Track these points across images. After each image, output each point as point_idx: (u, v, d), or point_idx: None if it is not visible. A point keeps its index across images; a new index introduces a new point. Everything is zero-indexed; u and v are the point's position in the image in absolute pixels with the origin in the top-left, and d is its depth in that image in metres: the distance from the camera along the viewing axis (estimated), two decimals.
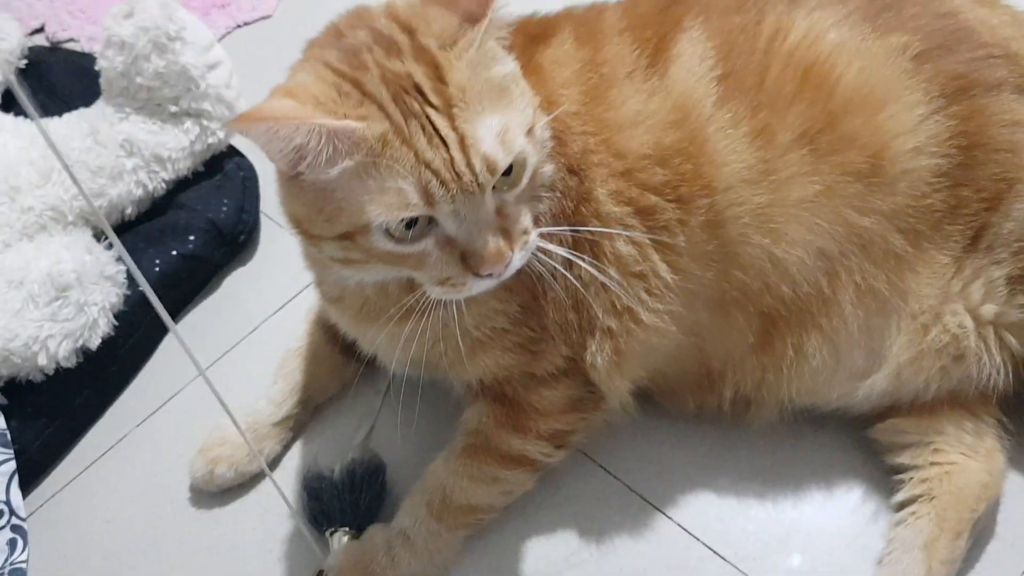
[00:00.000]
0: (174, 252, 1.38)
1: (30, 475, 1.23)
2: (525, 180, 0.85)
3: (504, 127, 0.81)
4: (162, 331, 1.38)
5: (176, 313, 1.40)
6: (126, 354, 1.32)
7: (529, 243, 0.87)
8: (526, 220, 0.86)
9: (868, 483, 1.09)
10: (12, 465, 1.21)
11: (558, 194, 0.93)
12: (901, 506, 1.04)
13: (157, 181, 1.42)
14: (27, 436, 1.23)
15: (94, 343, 1.26)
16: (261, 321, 1.38)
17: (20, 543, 1.17)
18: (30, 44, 1.72)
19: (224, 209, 1.43)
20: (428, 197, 0.79)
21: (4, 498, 1.19)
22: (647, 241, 0.96)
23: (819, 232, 0.95)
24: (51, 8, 1.99)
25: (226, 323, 1.39)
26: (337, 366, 1.24)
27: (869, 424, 1.09)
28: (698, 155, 0.93)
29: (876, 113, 0.93)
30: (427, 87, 0.79)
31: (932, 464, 1.03)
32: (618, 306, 0.98)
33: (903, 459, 1.06)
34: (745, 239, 0.95)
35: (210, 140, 1.45)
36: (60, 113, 1.46)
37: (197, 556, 1.15)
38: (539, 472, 1.08)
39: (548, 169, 0.91)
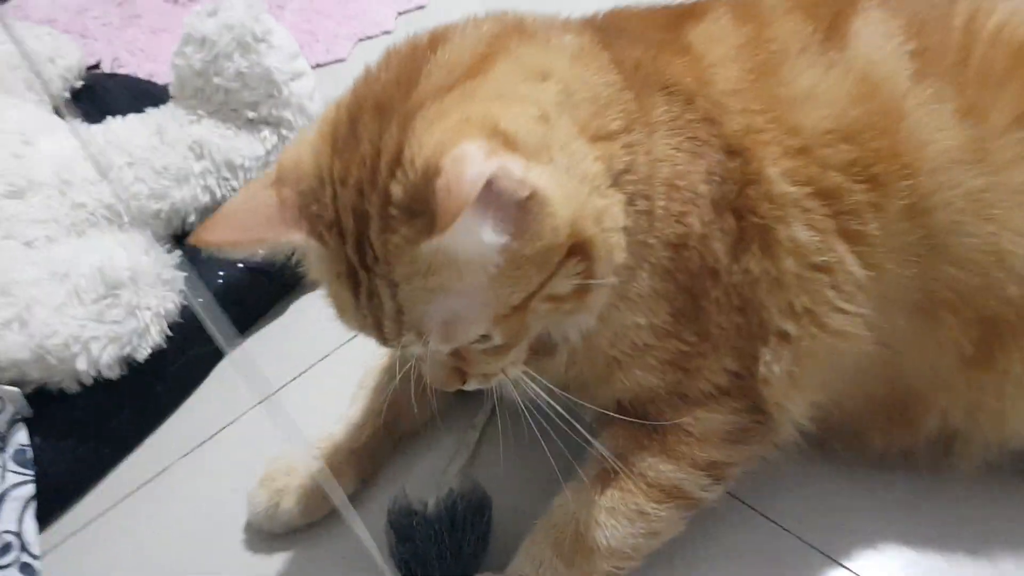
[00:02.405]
0: (240, 264, 1.20)
1: (50, 505, 1.02)
2: (494, 344, 0.74)
3: (453, 317, 0.69)
4: (219, 352, 1.18)
5: (239, 335, 1.21)
6: (176, 372, 1.13)
7: (494, 380, 0.79)
8: (494, 366, 0.77)
9: None
10: (30, 489, 0.99)
11: (716, 179, 0.80)
12: None
13: (226, 189, 1.26)
14: (52, 457, 1.02)
15: (142, 353, 1.07)
16: (331, 349, 1.19)
17: None
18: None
19: None
20: (364, 333, 0.75)
21: (15, 529, 0.97)
22: (831, 227, 0.80)
23: None
24: (108, 46, 1.91)
25: (292, 349, 1.20)
26: (428, 388, 1.03)
27: None
28: (894, 131, 0.79)
29: None
30: (377, 247, 0.67)
31: None
32: (797, 306, 0.81)
33: None
34: (959, 228, 0.79)
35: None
36: None
37: None
38: (692, 512, 0.86)
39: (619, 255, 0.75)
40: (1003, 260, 0.79)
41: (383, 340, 0.73)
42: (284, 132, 1.30)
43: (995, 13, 0.81)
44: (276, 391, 1.14)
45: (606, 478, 0.85)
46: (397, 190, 0.65)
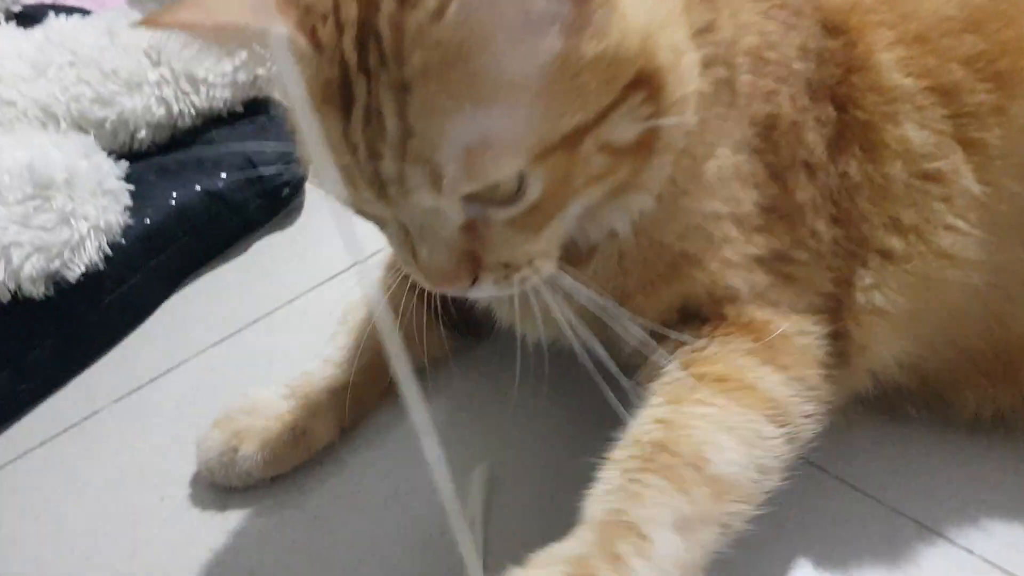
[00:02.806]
0: (197, 187, 1.02)
1: None
2: (529, 201, 0.55)
3: (482, 140, 0.51)
4: (171, 284, 1.00)
5: (191, 270, 1.03)
6: (115, 301, 0.94)
7: (517, 277, 0.59)
8: (520, 250, 0.58)
9: None
10: None
11: (812, 57, 0.67)
12: None
13: (185, 104, 1.09)
14: None
15: (74, 272, 0.88)
16: (300, 292, 1.01)
17: None
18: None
19: (266, 151, 1.08)
20: (350, 189, 0.54)
21: None
22: (948, 130, 0.67)
23: None
24: None
25: (255, 290, 1.02)
26: (427, 328, 0.85)
27: None
28: (1023, 22, 0.67)
29: None
30: (387, 37, 0.50)
31: None
32: (905, 220, 0.68)
33: None
34: None
35: (259, 71, 1.13)
36: None
37: None
38: (792, 450, 0.64)
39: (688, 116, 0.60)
40: None
41: (378, 184, 0.53)
42: (256, 46, 1.12)
43: None
44: (232, 334, 0.96)
45: (702, 390, 0.64)
46: None
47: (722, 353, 0.66)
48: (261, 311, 0.99)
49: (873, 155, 0.68)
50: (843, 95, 0.68)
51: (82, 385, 0.90)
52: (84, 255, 0.88)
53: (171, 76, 1.07)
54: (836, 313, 0.70)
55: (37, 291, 0.86)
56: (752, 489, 0.61)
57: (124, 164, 0.98)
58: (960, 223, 0.68)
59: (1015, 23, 0.67)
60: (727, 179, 0.65)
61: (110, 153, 1.01)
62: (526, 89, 0.50)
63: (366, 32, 0.50)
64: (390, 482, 0.79)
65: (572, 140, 0.53)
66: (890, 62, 0.68)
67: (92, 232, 0.89)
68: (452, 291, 0.60)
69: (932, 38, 0.68)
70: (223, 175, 1.03)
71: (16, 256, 0.83)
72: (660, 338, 0.67)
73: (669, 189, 0.64)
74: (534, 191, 0.54)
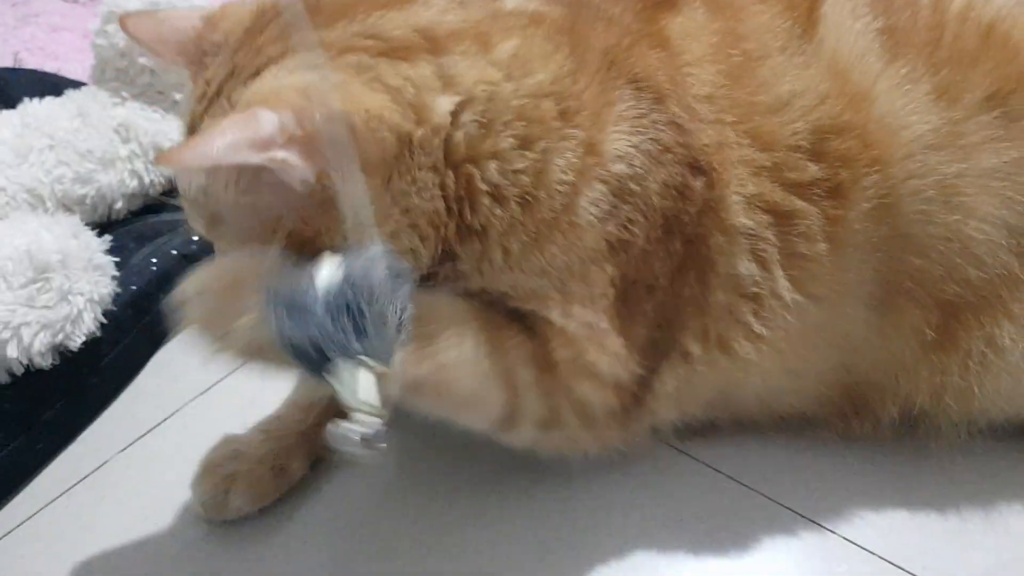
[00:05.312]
0: (174, 251, 1.15)
1: None
2: None
3: None
4: (156, 341, 1.12)
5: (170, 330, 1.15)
6: (111, 363, 1.06)
7: None
8: None
9: None
10: None
11: (673, 194, 0.76)
12: None
13: (154, 174, 1.21)
14: None
15: (76, 341, 1.01)
16: None
17: None
18: None
19: None
20: None
21: None
22: (775, 257, 0.79)
23: (1010, 206, 0.78)
24: (5, 44, 1.81)
25: None
26: None
27: None
28: (864, 123, 0.77)
29: None
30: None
31: None
32: (711, 333, 0.81)
33: None
34: (927, 218, 0.78)
35: None
36: None
37: None
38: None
39: None
40: (965, 246, 0.78)
41: None
42: None
43: None
44: (216, 383, 1.09)
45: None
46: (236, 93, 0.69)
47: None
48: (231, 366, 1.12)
49: (703, 283, 0.78)
50: (693, 233, 0.76)
51: (90, 439, 1.03)
52: (83, 326, 1.01)
53: (140, 150, 1.20)
54: (634, 389, 0.81)
55: (45, 363, 0.98)
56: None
57: (107, 238, 1.10)
58: (764, 331, 0.80)
59: (855, 130, 0.76)
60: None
61: (92, 227, 1.13)
62: None
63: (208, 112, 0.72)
64: (361, 506, 0.93)
65: None
66: (740, 202, 0.76)
67: (88, 305, 1.01)
68: None
69: (783, 168, 0.76)
70: (196, 237, 1.16)
71: (26, 335, 0.96)
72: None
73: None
74: None
